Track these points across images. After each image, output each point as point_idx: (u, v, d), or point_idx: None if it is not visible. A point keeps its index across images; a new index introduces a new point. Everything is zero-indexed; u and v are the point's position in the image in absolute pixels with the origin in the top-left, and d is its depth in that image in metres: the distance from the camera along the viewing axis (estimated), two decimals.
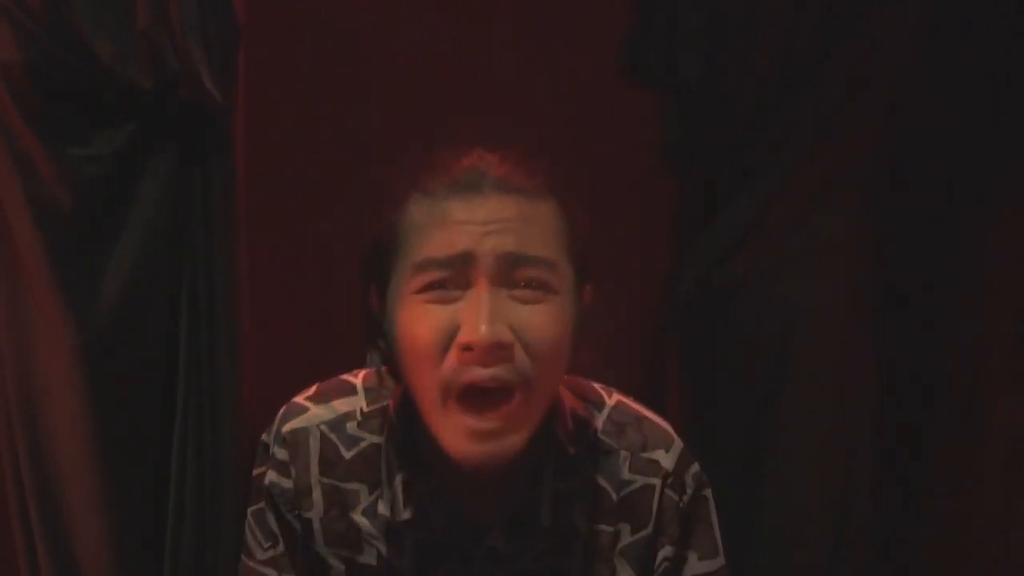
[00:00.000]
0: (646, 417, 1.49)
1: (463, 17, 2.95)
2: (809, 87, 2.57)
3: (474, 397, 1.25)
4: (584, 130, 2.93)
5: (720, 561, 1.50)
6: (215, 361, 2.38)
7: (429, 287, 1.26)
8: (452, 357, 1.26)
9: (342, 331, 2.74)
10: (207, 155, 2.34)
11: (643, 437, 1.47)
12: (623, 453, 1.46)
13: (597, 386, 1.50)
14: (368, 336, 1.37)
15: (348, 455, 1.43)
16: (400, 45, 2.98)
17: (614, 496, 1.43)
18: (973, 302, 2.80)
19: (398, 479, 1.39)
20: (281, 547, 1.47)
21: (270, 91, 2.63)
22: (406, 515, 1.38)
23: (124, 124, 2.27)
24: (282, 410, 1.46)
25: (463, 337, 1.23)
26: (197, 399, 2.37)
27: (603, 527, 1.43)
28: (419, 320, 1.27)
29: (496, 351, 1.23)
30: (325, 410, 1.44)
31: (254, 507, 1.48)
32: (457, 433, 1.27)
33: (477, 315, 1.23)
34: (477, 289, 1.25)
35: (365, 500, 1.43)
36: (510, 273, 1.26)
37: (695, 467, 1.48)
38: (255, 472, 1.48)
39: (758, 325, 2.62)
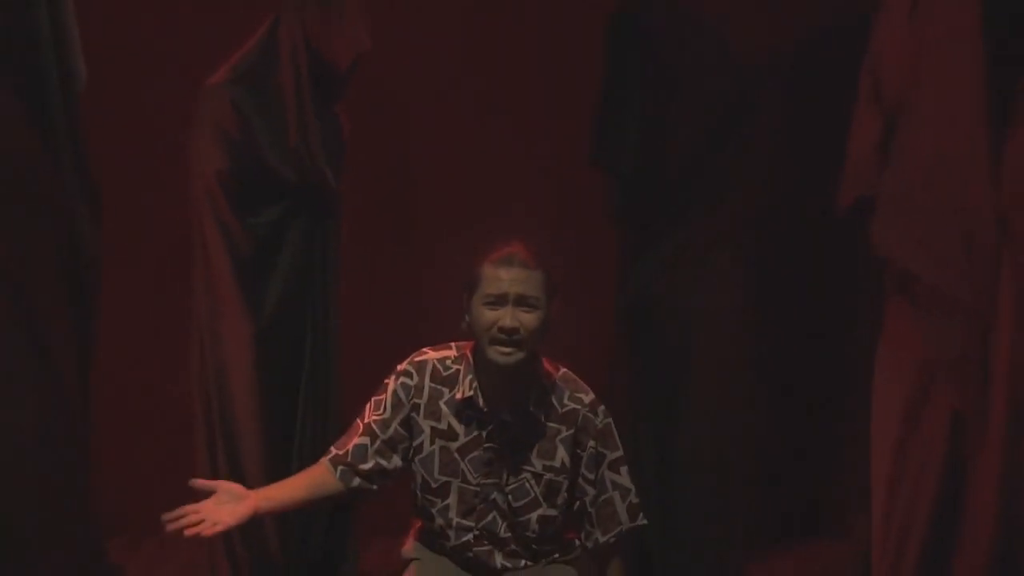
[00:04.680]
0: (579, 380, 2.61)
1: (483, 122, 3.95)
2: (706, 172, 3.41)
3: (503, 343, 2.44)
4: (562, 195, 3.93)
5: (621, 452, 2.59)
6: (327, 346, 3.28)
7: (488, 303, 2.45)
8: (495, 329, 2.43)
9: (396, 327, 3.77)
10: (325, 220, 3.23)
11: (577, 386, 2.59)
12: (566, 391, 2.57)
13: (558, 363, 2.61)
14: (463, 314, 2.49)
15: (444, 373, 2.56)
16: (437, 151, 4.03)
17: (560, 410, 2.55)
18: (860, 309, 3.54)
19: (470, 377, 2.52)
20: (384, 416, 2.56)
21: (361, 179, 3.48)
22: (470, 393, 2.50)
23: (279, 202, 3.17)
24: (412, 356, 2.60)
25: (501, 324, 2.43)
26: (315, 366, 3.27)
27: (552, 424, 2.55)
28: (483, 315, 2.45)
29: (513, 331, 2.43)
30: (436, 354, 2.59)
31: (376, 397, 2.57)
32: (496, 353, 2.44)
33: (507, 317, 2.43)
34: (508, 307, 2.44)
35: (448, 395, 2.55)
36: (520, 301, 2.45)
37: (603, 406, 2.58)
38: (385, 382, 2.58)
39: (675, 323, 3.45)
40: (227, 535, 3.11)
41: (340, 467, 2.57)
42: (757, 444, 3.58)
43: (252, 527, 3.13)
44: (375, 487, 2.59)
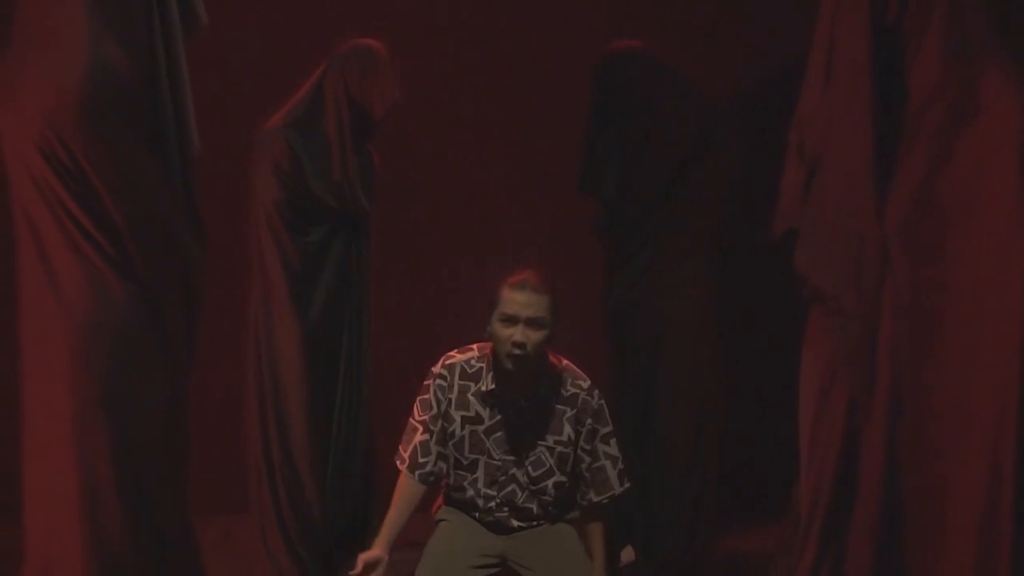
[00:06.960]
0: (577, 369, 2.95)
1: (488, 156, 4.30)
2: (674, 196, 3.75)
3: (515, 354, 2.74)
4: (556, 216, 4.28)
5: (611, 427, 2.92)
6: (361, 342, 3.73)
7: (504, 321, 2.73)
8: (508, 344, 2.72)
9: (411, 328, 4.21)
10: (360, 239, 3.68)
11: (576, 374, 2.92)
12: (568, 378, 2.89)
13: (561, 356, 2.95)
14: (486, 326, 2.77)
15: (470, 371, 2.87)
16: (448, 178, 4.33)
17: (564, 394, 2.88)
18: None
19: (490, 375, 2.82)
20: (433, 412, 2.89)
21: (386, 204, 3.91)
22: (492, 386, 2.81)
23: (323, 224, 3.59)
24: (442, 359, 2.90)
25: (514, 339, 2.71)
26: (350, 360, 3.71)
27: (559, 406, 2.87)
28: (500, 330, 2.73)
29: (522, 345, 2.71)
30: (462, 356, 2.90)
31: (421, 397, 2.91)
32: (508, 360, 2.74)
33: (518, 334, 2.71)
34: (519, 325, 2.71)
35: (474, 389, 2.85)
36: (530, 321, 2.73)
37: (597, 390, 2.93)
38: (425, 383, 2.89)
39: (650, 323, 3.78)
40: (276, 503, 3.58)
41: (417, 472, 2.93)
42: (721, 427, 3.87)
43: (297, 498, 3.59)
44: (444, 469, 2.97)
